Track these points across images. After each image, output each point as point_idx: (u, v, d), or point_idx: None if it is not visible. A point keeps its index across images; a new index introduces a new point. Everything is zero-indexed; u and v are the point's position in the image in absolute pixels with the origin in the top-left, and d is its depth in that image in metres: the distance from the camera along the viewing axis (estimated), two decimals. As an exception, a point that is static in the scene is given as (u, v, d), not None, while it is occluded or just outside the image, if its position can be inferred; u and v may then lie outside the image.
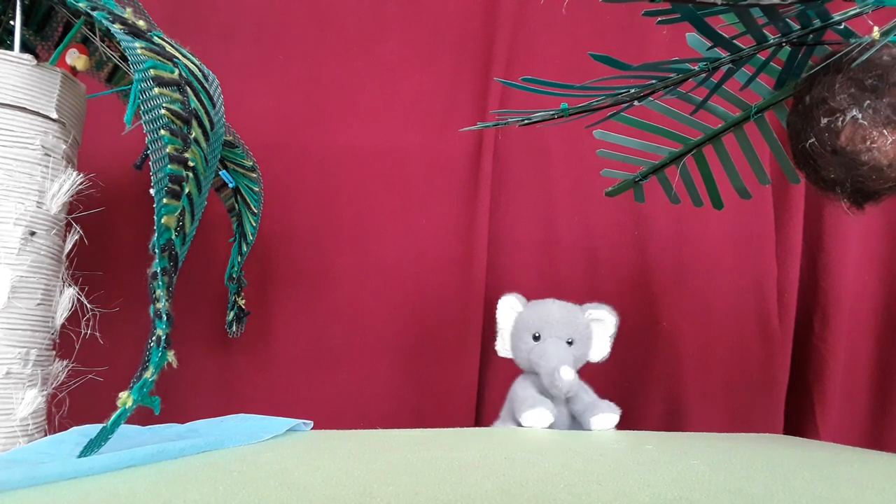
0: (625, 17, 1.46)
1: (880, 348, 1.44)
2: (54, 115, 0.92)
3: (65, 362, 0.97)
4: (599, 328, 1.11)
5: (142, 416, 0.73)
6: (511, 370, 1.45)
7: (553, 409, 0.99)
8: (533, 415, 0.97)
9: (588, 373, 1.41)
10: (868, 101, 0.75)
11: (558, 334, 1.05)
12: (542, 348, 1.04)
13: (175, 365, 0.72)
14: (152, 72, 0.75)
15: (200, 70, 0.86)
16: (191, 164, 0.76)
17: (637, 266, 1.44)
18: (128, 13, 0.86)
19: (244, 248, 1.25)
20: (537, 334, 1.06)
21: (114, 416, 0.66)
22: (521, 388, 1.05)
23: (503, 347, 1.12)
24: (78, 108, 0.99)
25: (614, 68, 0.83)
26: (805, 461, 0.74)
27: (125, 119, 0.73)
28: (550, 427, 0.99)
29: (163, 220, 0.71)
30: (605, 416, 1.01)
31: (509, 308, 1.12)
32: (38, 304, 0.91)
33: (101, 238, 1.07)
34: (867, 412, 1.44)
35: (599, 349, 1.12)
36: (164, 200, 0.71)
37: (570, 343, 1.06)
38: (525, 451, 0.73)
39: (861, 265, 1.44)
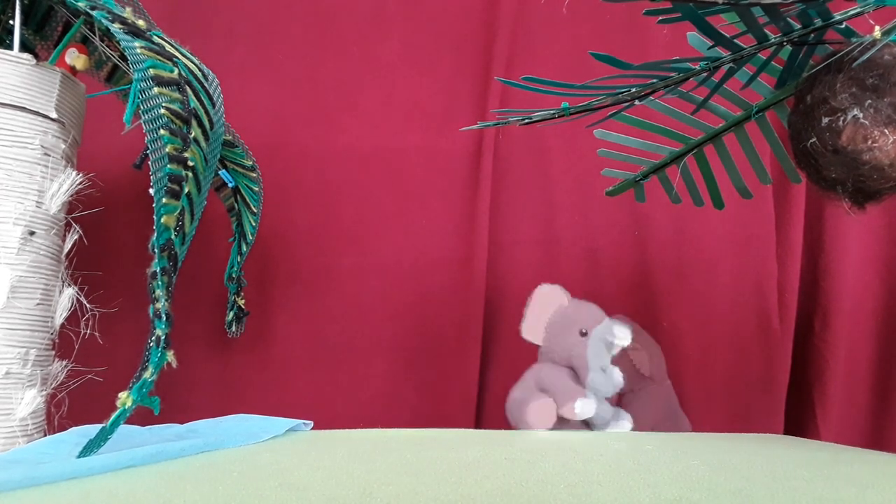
0: (625, 17, 1.46)
1: (881, 348, 1.44)
2: (54, 115, 0.92)
3: (64, 362, 0.96)
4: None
5: (142, 416, 0.73)
6: (512, 370, 1.44)
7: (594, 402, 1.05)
8: (583, 404, 1.01)
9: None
10: (869, 101, 0.75)
11: (602, 337, 1.10)
12: (595, 347, 1.08)
13: (175, 365, 0.72)
14: (152, 71, 0.75)
15: (200, 69, 0.86)
16: (190, 163, 0.76)
17: (637, 266, 1.44)
18: (127, 12, 0.86)
19: (244, 247, 1.25)
20: (584, 331, 1.09)
21: (113, 417, 0.66)
22: (557, 378, 1.08)
23: (533, 333, 1.14)
24: (77, 108, 0.99)
25: (615, 67, 0.83)
26: (805, 461, 0.74)
27: (125, 119, 0.73)
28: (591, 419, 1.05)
29: (162, 220, 0.71)
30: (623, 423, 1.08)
31: (554, 299, 1.14)
32: (38, 304, 0.91)
33: (101, 238, 1.07)
34: (867, 412, 1.43)
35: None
36: (164, 200, 0.71)
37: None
38: (525, 451, 0.73)
39: (862, 265, 1.44)
